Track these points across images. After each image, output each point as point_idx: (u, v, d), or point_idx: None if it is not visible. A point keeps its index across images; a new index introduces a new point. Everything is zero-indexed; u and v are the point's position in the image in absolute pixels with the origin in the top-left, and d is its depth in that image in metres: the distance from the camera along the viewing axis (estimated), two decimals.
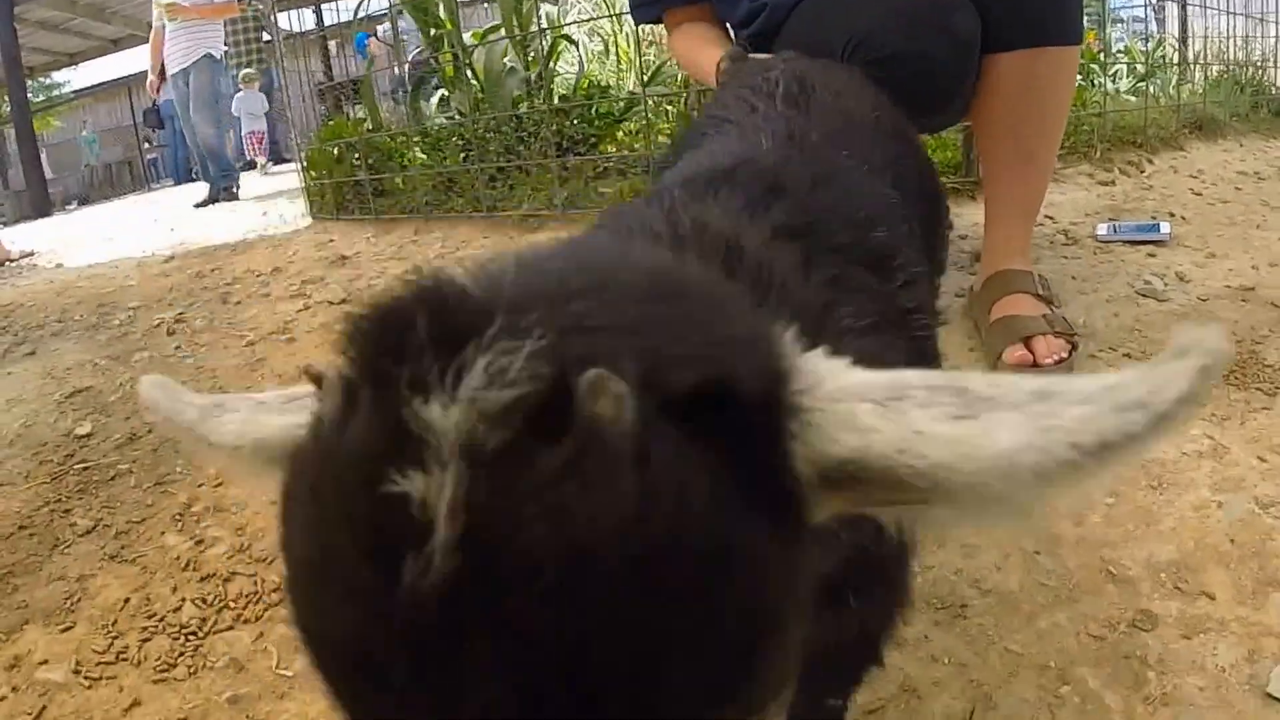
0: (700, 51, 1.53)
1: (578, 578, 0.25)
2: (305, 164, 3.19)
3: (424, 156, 2.88)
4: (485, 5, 4.10)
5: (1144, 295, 1.68)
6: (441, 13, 2.98)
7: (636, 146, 2.65)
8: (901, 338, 0.56)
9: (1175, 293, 1.71)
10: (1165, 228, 2.00)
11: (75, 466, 1.48)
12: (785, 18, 1.36)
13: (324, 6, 5.64)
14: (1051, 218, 2.13)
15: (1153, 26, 5.82)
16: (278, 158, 9.17)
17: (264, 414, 0.39)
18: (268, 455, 0.38)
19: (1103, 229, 2.02)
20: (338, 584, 0.27)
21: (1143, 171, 2.60)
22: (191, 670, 0.98)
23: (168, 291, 2.48)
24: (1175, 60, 4.26)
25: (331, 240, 2.72)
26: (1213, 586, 0.94)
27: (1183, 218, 2.22)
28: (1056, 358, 1.31)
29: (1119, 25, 5.81)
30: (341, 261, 2.46)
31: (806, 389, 0.31)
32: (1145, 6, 5.57)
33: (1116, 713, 0.80)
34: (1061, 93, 1.40)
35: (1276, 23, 4.40)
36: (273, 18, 3.94)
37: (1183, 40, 4.72)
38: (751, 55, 1.24)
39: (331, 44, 5.53)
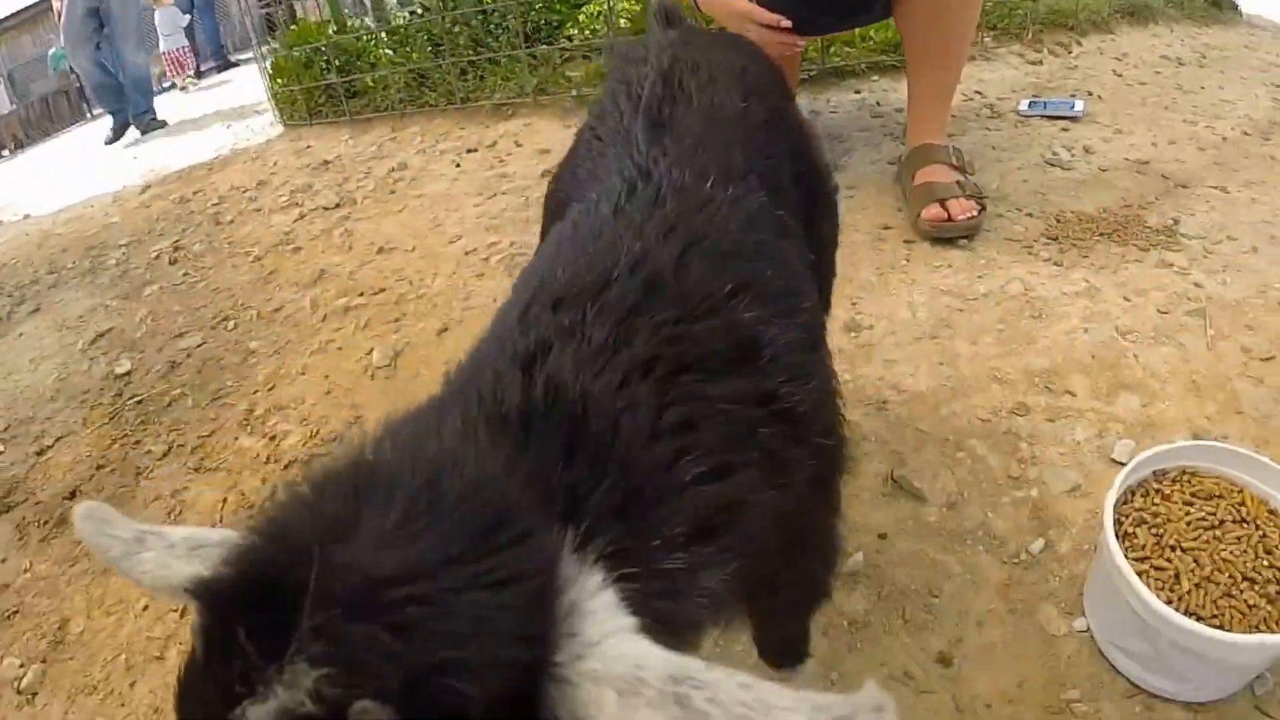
0: None
1: None
2: (271, 72, 3.33)
3: (391, 53, 3.05)
4: None
5: (1051, 165, 1.99)
6: None
7: (598, 29, 2.84)
8: (762, 453, 0.57)
9: (1080, 163, 2.02)
10: (1079, 105, 2.30)
11: (129, 402, 1.65)
12: None
13: None
14: (980, 93, 2.41)
15: None
16: (223, 62, 9.03)
17: (172, 559, 0.46)
18: (178, 596, 0.45)
19: (1023, 105, 2.31)
20: None
21: (1070, 53, 2.87)
22: None
23: (155, 222, 2.62)
24: None
25: (309, 146, 2.90)
26: (1075, 387, 1.28)
27: (1100, 97, 2.50)
28: (967, 215, 1.63)
29: None
30: (325, 166, 2.65)
31: (573, 656, 0.36)
32: None
33: (997, 469, 1.16)
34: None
35: None
36: None
37: None
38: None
39: None
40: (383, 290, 1.80)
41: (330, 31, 3.16)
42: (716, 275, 0.61)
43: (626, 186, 0.71)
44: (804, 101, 2.42)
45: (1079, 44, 2.98)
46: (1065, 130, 2.23)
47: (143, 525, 0.48)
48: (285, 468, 1.35)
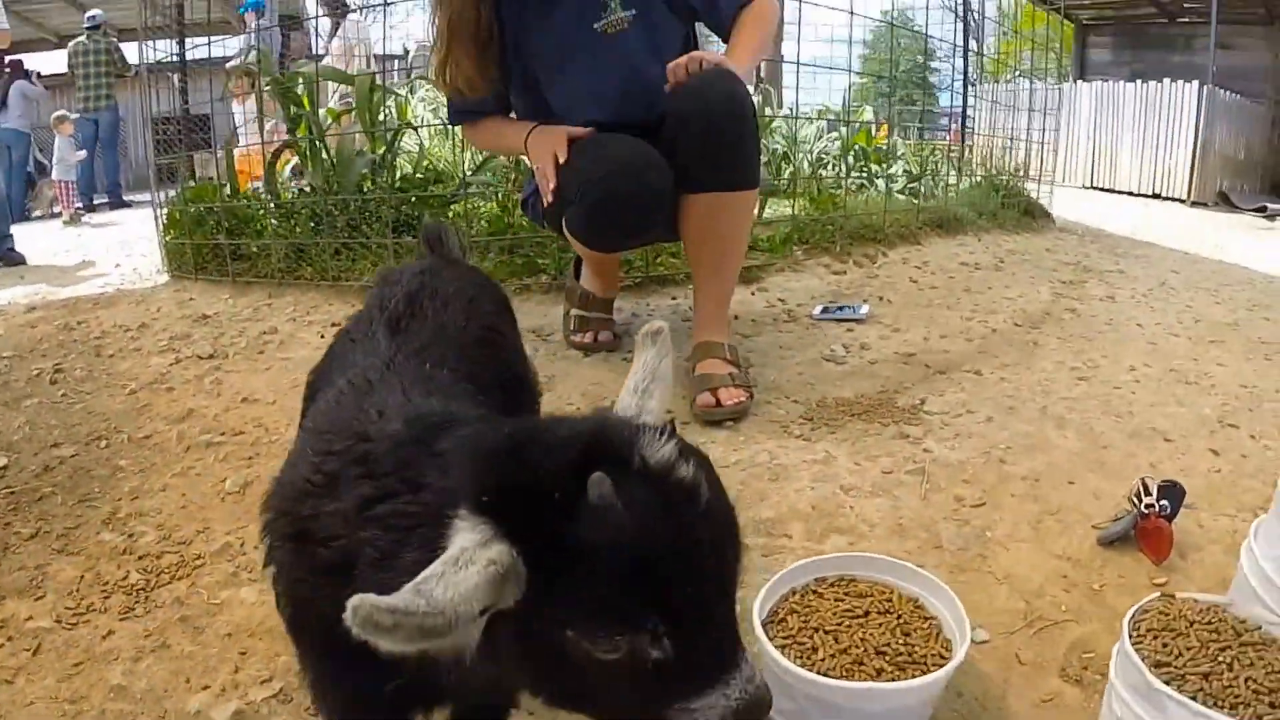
0: (507, 128, 2.28)
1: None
2: (165, 224, 3.71)
3: (277, 224, 3.46)
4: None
5: (827, 360, 2.46)
6: (300, 90, 3.62)
7: (462, 226, 3.30)
8: None
9: (853, 358, 2.48)
10: (864, 309, 2.82)
11: (2, 492, 1.88)
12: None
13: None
14: (783, 300, 2.93)
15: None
16: (118, 200, 9.38)
17: (457, 576, 0.62)
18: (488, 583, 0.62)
19: (816, 310, 2.82)
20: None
21: (875, 263, 3.45)
22: (147, 610, 1.48)
23: (39, 343, 2.91)
24: (941, 166, 5.34)
25: (192, 299, 3.23)
26: (792, 532, 1.65)
27: (889, 301, 3.02)
28: (734, 402, 2.05)
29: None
30: (204, 320, 2.99)
31: None
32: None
33: None
34: (741, 222, 2.16)
35: (1026, 141, 5.60)
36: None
37: (961, 148, 5.92)
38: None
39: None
40: (242, 433, 2.12)
41: (225, 194, 3.57)
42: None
43: (374, 373, 1.01)
44: (627, 304, 2.86)
45: (885, 255, 3.53)
46: (850, 331, 2.67)
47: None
48: (139, 559, 1.62)
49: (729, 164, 2.04)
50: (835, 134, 5.17)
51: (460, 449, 0.75)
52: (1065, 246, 4.65)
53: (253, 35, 5.58)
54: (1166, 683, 1.03)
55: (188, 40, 4.38)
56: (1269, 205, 9.87)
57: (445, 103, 2.47)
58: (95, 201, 9.25)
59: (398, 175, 3.55)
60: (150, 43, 4.49)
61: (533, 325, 2.68)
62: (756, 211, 3.71)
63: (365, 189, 3.39)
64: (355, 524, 0.77)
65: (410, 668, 0.72)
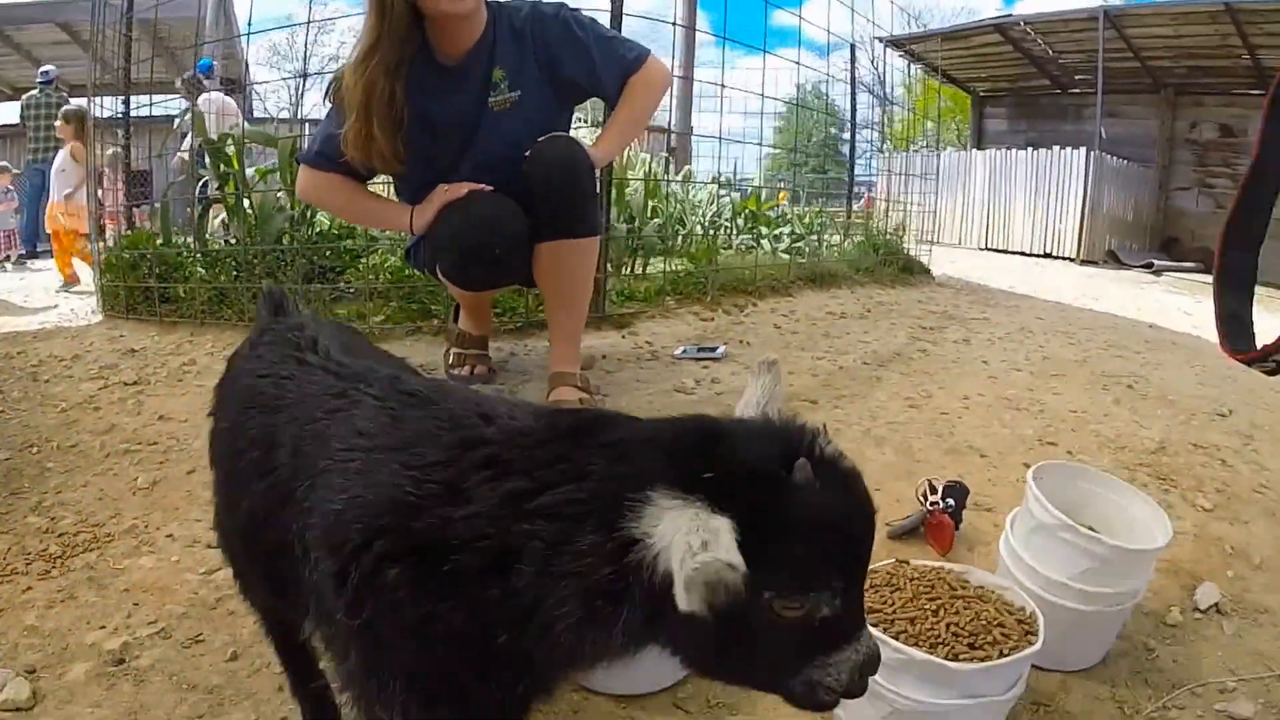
0: (374, 200, 2.55)
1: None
2: (102, 268, 4.00)
3: (203, 271, 3.78)
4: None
5: (677, 391, 2.76)
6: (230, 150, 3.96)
7: (370, 277, 3.66)
8: None
9: (702, 390, 2.79)
10: (721, 350, 3.12)
11: None
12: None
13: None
14: (649, 343, 3.26)
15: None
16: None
17: (711, 550, 0.69)
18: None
19: (678, 350, 3.13)
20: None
21: (743, 311, 3.79)
22: (62, 573, 1.78)
23: None
24: (823, 227, 5.80)
25: (122, 336, 3.52)
26: None
27: (749, 344, 3.33)
28: None
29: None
30: (131, 353, 3.28)
31: None
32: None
33: None
34: (582, 264, 2.44)
35: (906, 204, 6.10)
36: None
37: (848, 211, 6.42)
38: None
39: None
40: (156, 443, 2.42)
41: (157, 243, 3.87)
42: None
43: (413, 386, 0.99)
44: (507, 345, 3.17)
45: (754, 305, 3.83)
46: (706, 369, 2.96)
47: None
48: (59, 536, 1.91)
49: (566, 215, 2.34)
50: (727, 199, 5.58)
51: (648, 441, 0.82)
52: (938, 299, 4.93)
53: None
54: (874, 625, 1.26)
55: (133, 98, 4.65)
56: (1155, 261, 10.52)
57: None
58: (39, 249, 9.41)
59: (315, 230, 3.88)
60: (98, 99, 4.76)
61: (422, 361, 2.99)
62: (643, 269, 4.12)
63: (284, 241, 3.71)
64: (508, 520, 0.79)
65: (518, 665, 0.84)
